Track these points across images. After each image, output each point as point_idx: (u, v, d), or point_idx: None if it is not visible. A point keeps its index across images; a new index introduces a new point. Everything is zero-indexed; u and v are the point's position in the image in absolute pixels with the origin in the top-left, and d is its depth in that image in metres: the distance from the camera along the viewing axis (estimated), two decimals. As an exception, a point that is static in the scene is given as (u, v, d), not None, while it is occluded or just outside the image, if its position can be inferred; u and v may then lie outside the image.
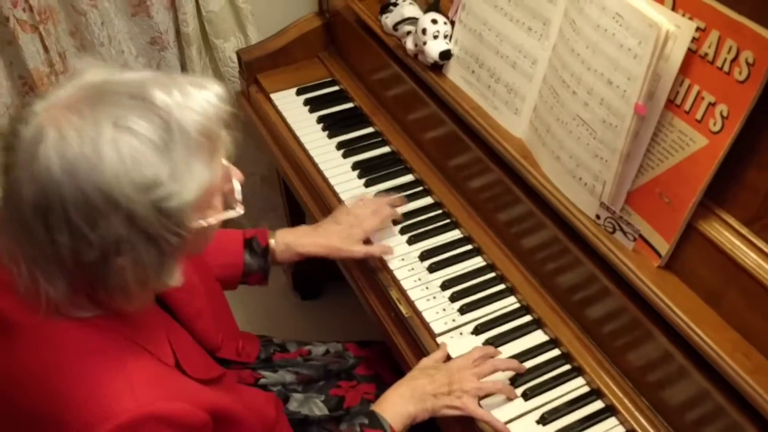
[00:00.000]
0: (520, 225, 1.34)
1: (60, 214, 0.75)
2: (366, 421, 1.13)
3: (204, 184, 0.81)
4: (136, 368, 0.86)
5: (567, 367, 1.24)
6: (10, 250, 0.81)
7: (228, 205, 0.92)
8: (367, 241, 1.42)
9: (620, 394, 1.18)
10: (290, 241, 1.36)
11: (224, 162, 0.89)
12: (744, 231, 1.01)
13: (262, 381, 1.33)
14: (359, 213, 1.40)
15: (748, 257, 1.00)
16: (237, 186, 0.93)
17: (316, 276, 2.30)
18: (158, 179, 0.77)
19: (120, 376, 0.84)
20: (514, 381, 1.22)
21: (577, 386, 1.22)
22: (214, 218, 0.87)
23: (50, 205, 0.75)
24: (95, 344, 0.85)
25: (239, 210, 0.92)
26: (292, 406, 1.33)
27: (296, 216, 2.12)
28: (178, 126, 0.78)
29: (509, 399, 1.19)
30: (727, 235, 1.03)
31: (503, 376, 1.22)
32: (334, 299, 2.33)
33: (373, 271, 1.41)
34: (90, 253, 0.77)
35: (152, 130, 0.76)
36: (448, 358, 1.26)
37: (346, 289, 1.50)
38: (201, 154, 0.80)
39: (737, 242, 1.02)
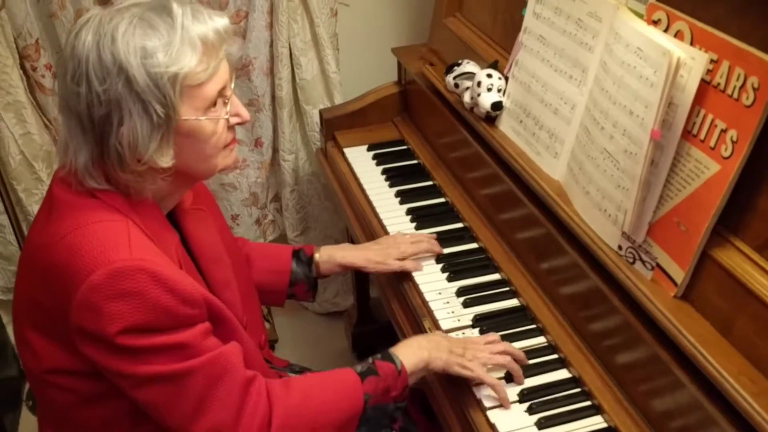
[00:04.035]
0: (560, 274, 1.38)
1: (83, 70, 0.99)
2: (378, 356, 1.22)
3: (191, 71, 1.01)
4: (138, 238, 1.01)
5: (587, 403, 1.25)
6: (63, 129, 1.05)
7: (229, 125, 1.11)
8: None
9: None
10: (332, 252, 1.52)
11: (234, 98, 1.11)
12: (755, 257, 1.03)
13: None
14: (399, 239, 1.55)
15: (759, 283, 1.01)
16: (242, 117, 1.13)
17: (375, 339, 2.35)
18: (153, 50, 0.98)
19: (121, 236, 1.00)
20: (531, 409, 1.23)
21: (594, 422, 1.22)
22: (206, 117, 1.05)
23: (78, 64, 0.99)
24: (109, 217, 1.02)
25: (234, 120, 1.11)
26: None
27: (360, 281, 2.23)
28: (181, 25, 1.01)
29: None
30: (739, 261, 1.04)
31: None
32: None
33: (411, 302, 1.48)
34: (100, 109, 0.99)
35: (161, 23, 1.00)
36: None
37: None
38: (194, 51, 1.01)
39: (749, 268, 1.03)
